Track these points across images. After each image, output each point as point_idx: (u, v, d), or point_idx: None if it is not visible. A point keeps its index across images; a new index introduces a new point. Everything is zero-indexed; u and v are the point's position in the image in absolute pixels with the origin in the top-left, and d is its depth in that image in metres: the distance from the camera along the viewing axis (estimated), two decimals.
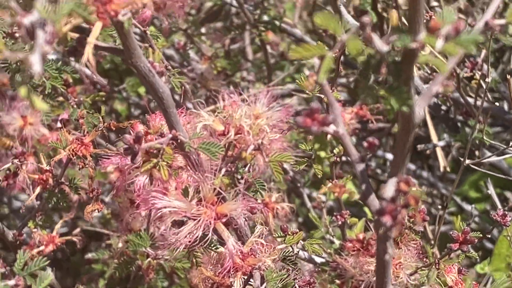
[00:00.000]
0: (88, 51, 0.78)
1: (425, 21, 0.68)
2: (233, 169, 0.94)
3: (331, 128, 0.78)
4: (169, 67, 1.38)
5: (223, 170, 0.93)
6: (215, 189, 0.91)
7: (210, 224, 0.90)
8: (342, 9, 1.52)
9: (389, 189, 0.74)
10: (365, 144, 0.81)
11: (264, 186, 1.02)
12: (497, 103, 1.68)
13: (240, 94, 1.82)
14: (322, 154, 0.83)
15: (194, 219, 0.90)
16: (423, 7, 0.66)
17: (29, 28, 0.66)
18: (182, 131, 0.92)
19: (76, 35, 0.84)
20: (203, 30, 1.92)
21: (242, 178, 0.96)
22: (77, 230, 1.53)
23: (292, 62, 1.94)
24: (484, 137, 1.46)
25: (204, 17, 1.90)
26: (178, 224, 0.93)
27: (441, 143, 1.66)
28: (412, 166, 1.98)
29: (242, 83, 1.91)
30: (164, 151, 0.89)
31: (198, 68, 1.74)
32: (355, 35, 0.70)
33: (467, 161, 1.36)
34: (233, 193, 0.92)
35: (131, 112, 2.01)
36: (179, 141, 0.91)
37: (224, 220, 0.91)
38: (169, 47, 1.82)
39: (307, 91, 1.52)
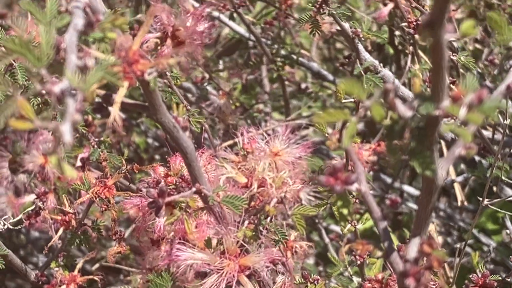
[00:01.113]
0: (115, 112, 0.79)
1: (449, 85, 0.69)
2: (255, 221, 0.96)
3: (354, 186, 0.79)
4: (188, 107, 1.40)
5: (246, 222, 0.94)
6: (238, 241, 0.92)
7: (234, 277, 0.91)
8: (360, 46, 1.53)
9: (412, 250, 0.75)
10: (387, 202, 0.82)
11: (286, 236, 1.03)
12: None
13: (258, 129, 1.84)
14: (345, 211, 0.84)
15: (218, 272, 0.91)
16: (447, 75, 0.67)
17: (59, 96, 0.68)
18: (206, 184, 0.93)
19: (102, 92, 0.85)
20: (220, 62, 1.94)
21: (264, 228, 0.97)
22: (97, 266, 1.55)
23: (309, 95, 1.96)
24: (502, 176, 1.47)
25: (221, 50, 1.92)
26: (201, 275, 0.94)
27: (459, 179, 1.67)
28: None
29: (260, 115, 1.92)
30: (188, 205, 0.90)
31: (216, 102, 1.75)
32: (379, 100, 0.71)
33: (486, 201, 1.36)
34: (256, 245, 0.93)
35: (149, 144, 2.03)
36: (202, 194, 0.92)
37: (247, 272, 0.92)
38: (187, 80, 1.84)
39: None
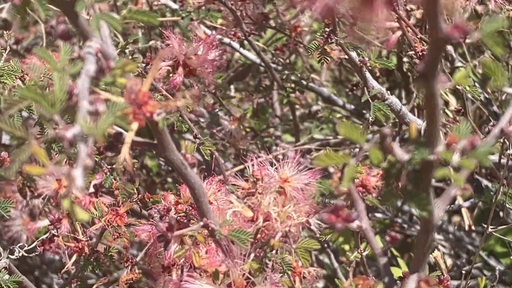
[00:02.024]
0: (125, 152, 0.83)
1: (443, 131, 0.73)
2: (261, 254, 0.99)
3: (355, 223, 0.82)
4: (198, 136, 1.44)
5: (252, 255, 0.98)
6: (244, 274, 0.96)
7: None
8: (367, 74, 1.56)
9: (410, 287, 0.79)
10: (387, 238, 0.86)
11: (291, 267, 1.06)
12: None
13: (269, 153, 1.88)
14: (347, 247, 0.88)
15: None
16: (440, 124, 0.71)
17: (72, 140, 0.72)
18: (213, 218, 0.96)
19: (112, 131, 0.89)
20: (232, 87, 1.98)
21: (270, 260, 1.01)
22: None
23: (319, 119, 1.99)
24: (507, 202, 1.49)
25: (233, 75, 1.96)
26: None
27: (466, 204, 1.69)
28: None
29: (271, 139, 1.96)
30: (196, 239, 0.94)
31: (227, 127, 1.79)
32: (376, 144, 0.75)
33: (490, 229, 1.39)
34: (262, 278, 0.96)
35: (162, 167, 2.07)
36: (210, 228, 0.95)
37: None
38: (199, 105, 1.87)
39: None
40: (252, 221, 1.02)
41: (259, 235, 1.01)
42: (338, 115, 2.08)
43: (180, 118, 1.44)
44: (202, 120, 1.97)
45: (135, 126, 0.84)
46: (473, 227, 1.73)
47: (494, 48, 0.64)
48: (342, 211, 0.80)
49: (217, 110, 1.81)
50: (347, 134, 0.75)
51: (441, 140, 0.72)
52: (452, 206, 1.68)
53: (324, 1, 0.60)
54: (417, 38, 1.44)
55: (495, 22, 0.63)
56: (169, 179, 2.06)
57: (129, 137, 0.84)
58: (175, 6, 1.86)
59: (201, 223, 0.95)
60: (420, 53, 1.44)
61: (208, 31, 1.86)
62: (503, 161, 1.74)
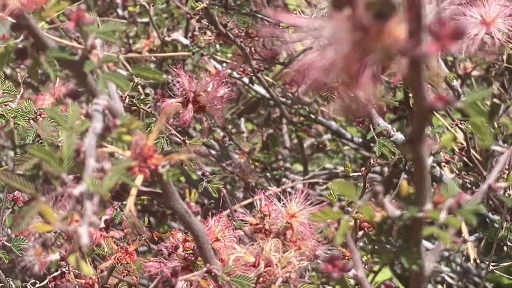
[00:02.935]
0: (131, 203, 0.87)
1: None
2: None
3: (351, 273, 0.86)
4: (207, 174, 1.48)
5: None
6: None
7: None
8: (373, 111, 1.60)
9: None
10: (382, 286, 0.89)
11: None
12: None
13: (279, 185, 1.91)
14: None
15: None
16: (429, 184, 0.74)
17: (79, 198, 0.76)
18: (216, 264, 1.00)
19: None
20: (242, 120, 2.02)
21: None
22: None
23: (327, 152, 2.03)
24: (509, 238, 1.53)
25: (243, 109, 2.00)
26: None
27: (471, 238, 1.72)
28: (445, 252, 2.04)
29: (280, 171, 2.00)
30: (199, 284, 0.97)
31: (237, 161, 1.83)
32: (369, 201, 0.79)
33: (491, 266, 1.42)
34: None
35: None
36: (213, 274, 0.99)
37: None
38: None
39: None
40: (254, 266, 1.06)
41: (260, 280, 1.05)
42: (346, 147, 2.12)
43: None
44: (213, 152, 2.02)
45: (140, 178, 0.89)
46: (478, 261, 1.76)
47: (476, 117, 0.67)
48: (338, 260, 0.83)
49: (227, 145, 1.85)
50: (341, 191, 0.79)
51: (430, 199, 0.75)
52: (455, 241, 1.70)
53: (314, 76, 0.64)
54: None
55: (477, 93, 0.67)
56: None
57: (135, 187, 0.88)
58: (186, 41, 1.90)
59: (205, 269, 0.99)
60: None
61: (219, 66, 1.91)
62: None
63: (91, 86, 0.85)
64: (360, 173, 1.32)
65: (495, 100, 2.28)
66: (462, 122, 1.51)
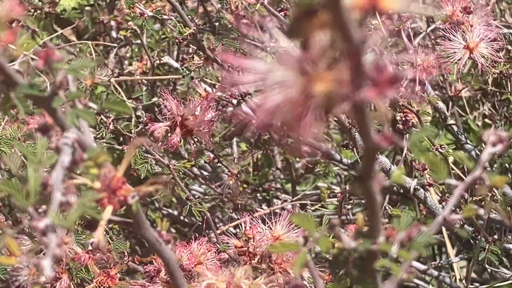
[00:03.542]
0: (100, 234, 0.90)
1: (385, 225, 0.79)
2: None
3: None
4: (190, 197, 1.51)
5: None
6: None
7: None
8: (357, 135, 1.62)
9: None
10: None
11: None
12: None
13: (269, 206, 1.93)
14: None
15: None
16: (381, 217, 0.77)
17: (44, 231, 0.79)
18: None
19: None
20: (234, 141, 2.05)
21: None
22: None
23: (316, 174, 2.06)
24: (492, 258, 1.55)
25: (233, 130, 2.03)
26: None
27: (456, 260, 1.75)
28: (434, 272, 2.06)
29: (271, 192, 2.02)
30: None
31: (226, 182, 1.86)
32: (326, 233, 0.81)
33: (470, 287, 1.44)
34: None
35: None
36: None
37: None
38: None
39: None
40: None
41: None
42: (336, 168, 2.15)
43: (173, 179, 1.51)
44: (205, 173, 2.05)
45: (109, 209, 0.91)
46: (464, 282, 1.78)
47: (419, 156, 0.70)
48: None
49: (217, 167, 1.88)
50: (299, 223, 0.82)
51: (382, 232, 0.78)
52: (441, 262, 1.73)
53: (261, 117, 0.67)
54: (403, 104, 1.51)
55: (419, 134, 0.70)
56: (173, 230, 2.13)
57: (104, 219, 0.91)
58: (176, 65, 1.94)
59: None
60: (404, 119, 1.50)
61: (209, 89, 1.94)
62: (494, 215, 1.80)
63: (61, 121, 0.88)
64: (336, 199, 1.35)
65: (487, 120, 2.31)
66: (442, 146, 1.54)
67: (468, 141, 1.90)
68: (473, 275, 1.98)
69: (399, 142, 0.71)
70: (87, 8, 2.20)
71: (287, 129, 0.67)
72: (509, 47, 2.23)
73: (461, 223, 1.68)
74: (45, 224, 0.78)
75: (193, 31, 1.67)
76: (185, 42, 1.76)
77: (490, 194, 1.71)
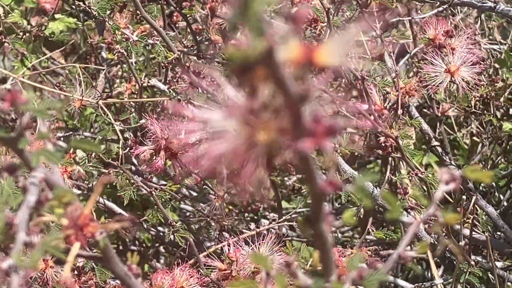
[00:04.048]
0: (67, 270, 0.93)
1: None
2: None
3: None
4: (173, 223, 1.53)
5: None
6: None
7: None
8: (340, 159, 1.65)
9: None
10: None
11: None
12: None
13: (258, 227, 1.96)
14: None
15: None
16: (333, 256, 0.80)
17: (7, 271, 0.82)
18: None
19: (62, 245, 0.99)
20: None
21: None
22: None
23: (303, 194, 2.08)
24: (472, 279, 1.58)
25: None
26: None
27: (439, 281, 1.77)
28: None
29: (259, 212, 2.05)
30: None
31: (212, 204, 1.89)
32: (282, 273, 0.84)
33: None
34: None
35: (154, 239, 2.17)
36: None
37: None
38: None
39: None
40: None
41: None
42: None
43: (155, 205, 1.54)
44: (193, 193, 2.08)
45: (77, 245, 0.94)
46: None
47: (363, 199, 0.73)
48: None
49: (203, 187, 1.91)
50: (257, 262, 0.84)
51: (335, 270, 0.81)
52: (424, 284, 1.76)
53: (206, 164, 0.69)
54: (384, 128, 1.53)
55: (363, 179, 0.72)
56: (162, 249, 2.16)
57: (71, 255, 0.94)
58: (163, 87, 1.96)
59: None
60: (384, 144, 1.53)
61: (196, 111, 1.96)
62: (478, 236, 1.82)
63: (27, 160, 0.90)
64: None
65: (475, 138, 2.33)
66: (422, 172, 1.57)
67: (452, 162, 1.92)
68: None
69: (344, 187, 0.73)
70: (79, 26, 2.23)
71: (231, 175, 0.70)
72: (496, 65, 2.26)
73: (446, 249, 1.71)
74: (8, 264, 0.81)
75: (177, 56, 1.70)
76: (170, 67, 1.79)
77: (473, 216, 1.74)
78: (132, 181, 1.59)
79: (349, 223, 0.82)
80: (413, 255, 0.87)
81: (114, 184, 1.86)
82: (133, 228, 1.68)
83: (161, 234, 2.13)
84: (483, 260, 1.95)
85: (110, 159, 1.58)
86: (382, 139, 1.58)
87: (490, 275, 1.94)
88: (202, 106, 0.70)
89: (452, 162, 1.90)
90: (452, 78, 1.70)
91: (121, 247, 2.12)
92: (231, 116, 0.68)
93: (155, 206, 1.59)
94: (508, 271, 1.95)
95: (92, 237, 0.95)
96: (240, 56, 0.59)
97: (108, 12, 1.86)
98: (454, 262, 1.79)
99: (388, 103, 1.74)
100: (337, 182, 0.72)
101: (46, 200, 0.88)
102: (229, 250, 1.51)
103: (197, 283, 1.49)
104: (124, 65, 2.27)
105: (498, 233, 1.97)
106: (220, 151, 0.69)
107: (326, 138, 0.65)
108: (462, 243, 1.59)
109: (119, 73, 2.36)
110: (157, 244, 2.14)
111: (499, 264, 1.95)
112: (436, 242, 1.84)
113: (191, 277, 1.50)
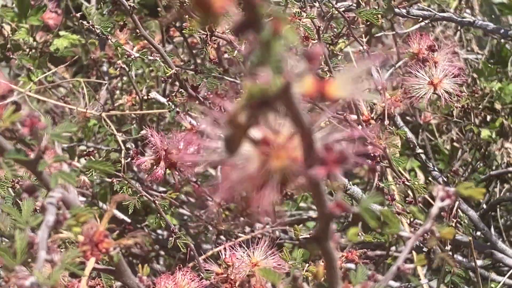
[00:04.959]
0: (84, 284, 0.92)
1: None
2: None
3: None
4: (175, 230, 1.53)
5: None
6: None
7: None
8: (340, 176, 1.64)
9: None
10: None
11: None
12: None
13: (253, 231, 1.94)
14: None
15: None
16: (339, 272, 0.80)
17: None
18: None
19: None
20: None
21: None
22: None
23: (295, 199, 2.08)
24: (456, 279, 1.58)
25: None
26: None
27: (424, 281, 1.78)
28: None
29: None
30: None
31: (210, 210, 1.88)
32: (290, 284, 0.84)
33: None
34: None
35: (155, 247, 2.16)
36: None
37: None
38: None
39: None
40: None
41: None
42: None
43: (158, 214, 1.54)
44: (192, 199, 2.07)
45: (92, 260, 0.94)
46: None
47: (369, 221, 0.73)
48: None
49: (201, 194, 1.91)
50: (265, 276, 0.84)
51: (340, 284, 0.81)
52: (410, 284, 1.76)
53: (225, 189, 0.69)
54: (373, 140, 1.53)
55: (368, 200, 0.72)
56: (162, 252, 2.15)
57: (87, 270, 0.93)
58: (163, 100, 1.96)
59: None
60: (372, 155, 1.53)
61: (194, 122, 1.96)
62: (461, 237, 1.83)
63: (46, 181, 0.90)
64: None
65: (455, 144, 2.34)
66: (408, 180, 1.57)
67: (435, 167, 1.93)
68: None
69: (351, 209, 0.73)
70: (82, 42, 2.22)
71: (247, 199, 0.70)
72: (474, 74, 2.26)
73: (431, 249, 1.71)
74: (31, 282, 0.80)
75: (175, 72, 1.69)
76: (169, 81, 1.79)
77: (456, 220, 1.74)
78: (136, 190, 1.58)
79: (353, 239, 0.82)
80: (412, 267, 0.87)
81: (116, 191, 1.85)
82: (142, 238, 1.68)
83: (161, 237, 2.12)
84: (464, 260, 1.96)
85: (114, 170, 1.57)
86: (370, 148, 1.58)
87: (471, 273, 1.95)
88: (199, 117, 0.70)
89: (435, 168, 1.90)
90: (435, 90, 1.70)
91: (123, 250, 2.11)
92: (249, 145, 0.68)
93: (157, 214, 1.58)
94: (487, 270, 1.96)
95: (106, 252, 0.94)
96: (259, 92, 0.58)
97: (109, 29, 1.85)
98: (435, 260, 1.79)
99: (374, 114, 1.74)
100: (345, 204, 0.72)
101: (64, 220, 0.88)
102: (225, 255, 1.51)
103: (197, 286, 1.48)
104: (124, 78, 2.27)
105: (478, 233, 1.98)
106: (238, 178, 0.68)
107: (337, 166, 0.65)
108: (448, 247, 1.60)
109: (119, 84, 2.35)
110: (157, 247, 2.13)
111: (479, 262, 1.96)
112: (421, 245, 1.84)
113: (192, 281, 1.49)
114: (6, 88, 0.86)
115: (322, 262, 0.79)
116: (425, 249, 1.74)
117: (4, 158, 0.88)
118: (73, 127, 0.90)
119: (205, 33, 1.49)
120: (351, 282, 0.80)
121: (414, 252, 1.84)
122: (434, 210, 0.86)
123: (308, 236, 1.47)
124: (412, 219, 1.67)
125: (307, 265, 1.43)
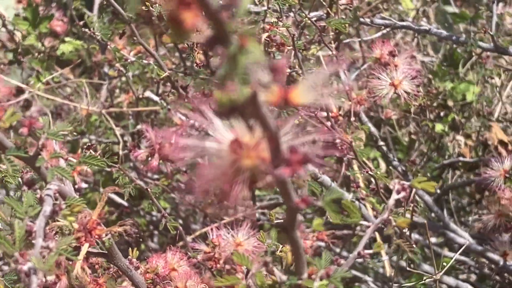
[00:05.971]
0: (78, 268, 0.89)
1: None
2: None
3: None
4: (166, 214, 1.50)
5: None
6: None
7: None
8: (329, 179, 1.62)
9: None
10: None
11: None
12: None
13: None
14: None
15: None
16: (305, 258, 0.77)
17: (28, 273, 0.78)
18: None
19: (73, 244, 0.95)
20: None
21: None
22: None
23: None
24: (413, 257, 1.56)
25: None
26: None
27: (386, 258, 1.76)
28: (370, 264, 2.07)
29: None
30: None
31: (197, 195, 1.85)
32: (261, 269, 0.81)
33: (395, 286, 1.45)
34: None
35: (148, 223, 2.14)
36: None
37: None
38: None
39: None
40: None
41: None
42: None
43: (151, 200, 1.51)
44: (182, 185, 2.04)
45: (86, 246, 0.91)
46: (392, 274, 1.79)
47: (331, 214, 0.70)
48: None
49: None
50: (239, 262, 0.81)
51: (306, 269, 0.78)
52: (374, 257, 1.74)
53: (199, 185, 0.66)
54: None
55: (330, 195, 0.70)
56: (155, 231, 2.12)
57: (82, 254, 0.91)
58: (156, 98, 1.93)
59: None
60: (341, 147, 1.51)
61: (183, 118, 1.93)
62: (417, 219, 1.81)
63: (44, 175, 0.87)
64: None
65: (413, 136, 2.32)
66: (371, 169, 1.55)
67: (395, 158, 1.91)
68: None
69: (315, 203, 0.71)
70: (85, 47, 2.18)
71: (219, 195, 0.67)
72: (430, 76, 2.24)
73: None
74: (28, 266, 0.78)
75: (168, 74, 1.66)
76: (162, 82, 1.76)
77: (413, 204, 1.72)
78: (131, 179, 1.55)
79: (318, 229, 0.79)
80: (371, 252, 0.85)
81: (115, 179, 1.82)
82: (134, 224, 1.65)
83: (155, 218, 2.09)
84: (420, 238, 1.94)
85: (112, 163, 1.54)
86: (338, 142, 1.55)
87: (426, 250, 1.93)
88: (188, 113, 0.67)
89: (395, 158, 1.88)
90: (396, 90, 1.67)
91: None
92: (221, 145, 0.65)
93: (151, 200, 1.55)
94: (441, 247, 1.95)
95: (99, 238, 0.91)
96: (228, 101, 0.56)
97: (109, 35, 1.81)
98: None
99: (342, 111, 1.72)
100: (309, 199, 0.70)
101: (60, 210, 0.85)
102: (212, 235, 1.48)
103: (185, 264, 1.46)
104: (123, 78, 2.23)
105: (433, 215, 1.96)
106: (212, 175, 0.66)
107: (301, 166, 0.62)
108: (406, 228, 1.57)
109: (118, 84, 2.32)
110: (151, 227, 2.10)
111: (433, 240, 1.95)
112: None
113: (181, 259, 1.46)
114: (6, 92, 0.83)
115: (290, 249, 0.77)
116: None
117: (6, 155, 0.85)
118: (68, 126, 0.87)
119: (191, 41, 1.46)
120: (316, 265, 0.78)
121: (377, 233, 1.82)
122: (391, 202, 0.84)
123: (281, 220, 1.44)
124: (373, 204, 1.65)
125: (281, 246, 1.41)
